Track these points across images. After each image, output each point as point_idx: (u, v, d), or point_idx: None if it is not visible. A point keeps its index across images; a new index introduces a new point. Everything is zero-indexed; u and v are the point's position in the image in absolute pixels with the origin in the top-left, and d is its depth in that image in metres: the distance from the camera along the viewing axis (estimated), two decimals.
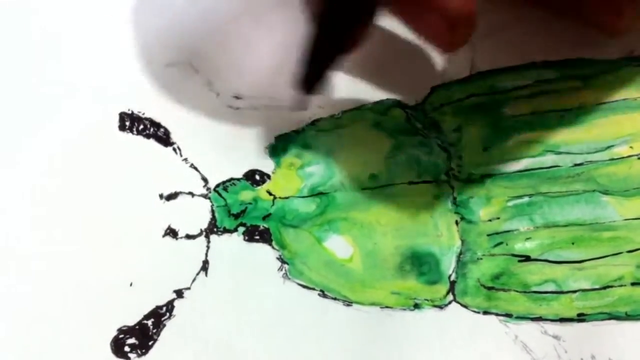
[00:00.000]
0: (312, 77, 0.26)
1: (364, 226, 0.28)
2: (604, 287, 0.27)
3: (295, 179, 0.28)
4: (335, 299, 0.26)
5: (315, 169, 0.29)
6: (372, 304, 0.26)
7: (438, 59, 0.30)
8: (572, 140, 0.29)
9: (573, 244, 0.27)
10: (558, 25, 0.31)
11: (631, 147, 0.29)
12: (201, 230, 0.27)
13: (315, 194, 0.28)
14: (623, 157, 0.28)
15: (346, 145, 0.29)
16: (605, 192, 0.28)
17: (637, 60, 0.30)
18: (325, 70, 0.26)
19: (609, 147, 0.29)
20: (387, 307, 0.26)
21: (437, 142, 0.29)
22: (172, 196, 0.28)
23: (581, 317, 0.26)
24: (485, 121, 0.29)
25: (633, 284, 0.27)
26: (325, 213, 0.28)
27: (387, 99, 0.30)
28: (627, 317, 0.26)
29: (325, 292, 0.27)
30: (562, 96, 0.30)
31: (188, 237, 0.27)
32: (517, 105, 0.29)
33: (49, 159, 0.28)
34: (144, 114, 0.29)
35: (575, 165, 0.28)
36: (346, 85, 0.30)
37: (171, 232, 0.27)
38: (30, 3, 0.31)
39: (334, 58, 0.25)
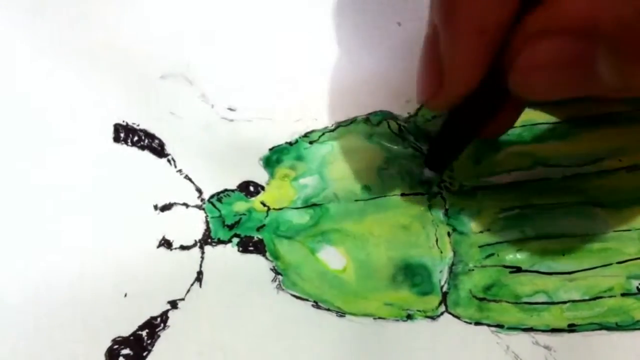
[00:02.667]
0: (444, 161, 0.28)
1: (357, 237, 0.28)
2: (594, 298, 0.27)
3: (289, 190, 0.29)
4: (328, 309, 0.27)
5: (308, 181, 0.29)
6: (365, 314, 0.27)
7: None
8: (562, 153, 0.29)
9: (563, 255, 0.27)
10: None
11: (620, 160, 0.29)
12: (195, 241, 0.28)
13: (309, 205, 0.28)
14: (612, 170, 0.29)
15: (339, 157, 0.29)
16: (595, 204, 0.28)
17: None
18: (457, 155, 0.27)
19: (598, 160, 0.29)
20: (380, 318, 0.27)
21: None
22: (166, 207, 0.28)
23: (572, 328, 0.26)
24: None
25: (623, 294, 0.27)
26: (319, 224, 0.28)
27: (380, 111, 0.30)
28: (618, 327, 0.27)
29: (319, 303, 0.27)
30: (552, 108, 0.30)
31: (182, 247, 0.27)
32: None
33: (42, 169, 0.28)
34: (138, 125, 0.29)
35: (565, 177, 0.29)
36: (339, 98, 0.30)
37: (165, 243, 0.27)
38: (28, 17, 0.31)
39: (466, 145, 0.27)
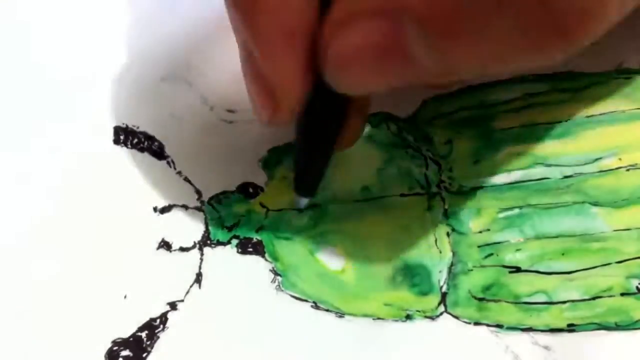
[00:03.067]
0: (309, 183, 0.27)
1: (356, 238, 0.28)
2: (594, 298, 0.27)
3: (288, 191, 0.29)
4: (327, 310, 0.27)
5: None
6: (365, 315, 0.27)
7: None
8: (562, 152, 0.29)
9: (563, 255, 0.27)
10: None
11: (620, 159, 0.29)
12: (195, 242, 0.28)
13: (308, 206, 0.28)
14: (612, 169, 0.29)
15: (338, 158, 0.29)
16: (595, 204, 0.28)
17: (625, 73, 0.31)
18: (320, 173, 0.26)
19: (597, 159, 0.29)
20: (379, 318, 0.27)
21: (429, 155, 0.29)
22: (165, 209, 0.28)
23: (571, 328, 0.26)
24: (475, 134, 0.30)
25: (622, 294, 0.27)
26: (318, 225, 0.28)
27: (379, 112, 0.30)
28: (617, 327, 0.26)
29: (318, 304, 0.27)
30: (552, 109, 0.30)
31: (182, 249, 0.27)
32: (507, 119, 0.30)
33: (42, 172, 0.29)
34: (138, 127, 0.30)
35: (565, 177, 0.29)
36: None
37: (165, 245, 0.27)
38: (28, 20, 0.32)
39: (326, 160, 0.26)
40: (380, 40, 0.18)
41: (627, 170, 0.29)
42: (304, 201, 0.28)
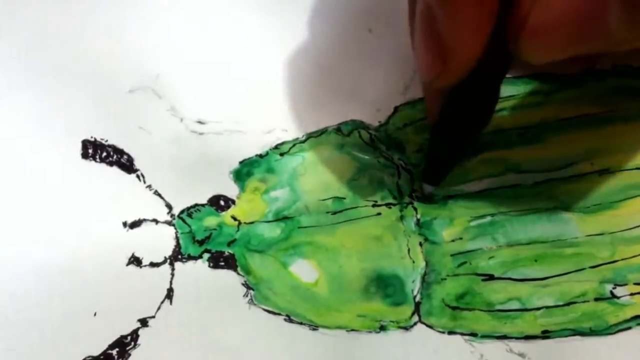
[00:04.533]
0: (439, 175, 0.28)
1: (329, 250, 0.28)
2: (568, 304, 0.27)
3: (260, 203, 0.28)
4: (301, 323, 0.26)
5: (279, 193, 0.29)
6: (338, 327, 0.26)
7: (400, 79, 0.30)
8: (533, 158, 0.29)
9: (536, 261, 0.27)
10: None
11: (592, 163, 0.29)
12: (165, 257, 0.27)
13: (280, 218, 0.28)
14: (584, 174, 0.29)
15: (310, 168, 0.29)
16: (567, 209, 0.28)
17: (597, 75, 0.31)
18: (450, 168, 0.27)
19: (570, 164, 0.29)
20: (353, 330, 0.26)
21: (401, 164, 0.29)
22: (135, 224, 0.28)
23: (546, 334, 0.26)
24: None
25: (596, 299, 0.27)
26: (290, 237, 0.28)
27: (351, 121, 0.30)
28: (591, 332, 0.26)
29: (291, 317, 0.27)
30: (523, 112, 0.30)
31: (152, 265, 0.27)
32: None
33: (10, 188, 0.28)
34: (107, 141, 0.29)
35: (536, 183, 0.29)
36: (310, 108, 0.30)
37: (135, 261, 0.27)
38: None
39: (457, 159, 0.27)
40: (583, 10, 0.20)
41: (599, 174, 0.29)
42: (430, 188, 0.28)
